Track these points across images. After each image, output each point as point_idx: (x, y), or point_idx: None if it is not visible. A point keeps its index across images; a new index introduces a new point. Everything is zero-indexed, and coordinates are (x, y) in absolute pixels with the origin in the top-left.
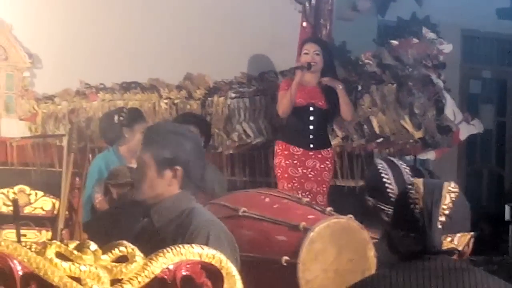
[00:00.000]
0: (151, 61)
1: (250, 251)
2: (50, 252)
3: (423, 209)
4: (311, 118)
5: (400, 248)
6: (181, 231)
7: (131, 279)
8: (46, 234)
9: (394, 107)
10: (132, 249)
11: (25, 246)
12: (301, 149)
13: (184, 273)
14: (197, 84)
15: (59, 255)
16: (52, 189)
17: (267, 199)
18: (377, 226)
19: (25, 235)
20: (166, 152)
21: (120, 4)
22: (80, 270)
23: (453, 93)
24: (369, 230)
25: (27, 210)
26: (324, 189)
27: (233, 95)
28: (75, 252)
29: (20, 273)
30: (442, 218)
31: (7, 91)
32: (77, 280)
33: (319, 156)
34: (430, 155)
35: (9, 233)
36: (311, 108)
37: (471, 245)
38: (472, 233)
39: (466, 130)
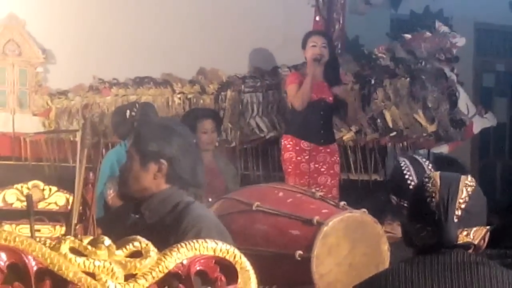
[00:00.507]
0: (164, 56)
1: (264, 246)
2: (64, 247)
3: (440, 203)
4: (322, 113)
5: (416, 241)
6: (173, 228)
7: (145, 274)
8: (60, 230)
9: (407, 101)
10: (146, 244)
11: (39, 242)
12: (312, 144)
13: (198, 268)
14: (210, 78)
15: (73, 250)
16: (66, 185)
17: (280, 194)
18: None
19: (39, 231)
20: (152, 145)
21: None
22: (94, 265)
23: (466, 86)
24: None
25: (41, 205)
26: (337, 182)
27: (246, 89)
28: (89, 247)
29: (35, 268)
30: (458, 212)
31: (20, 87)
32: (91, 275)
33: (328, 150)
34: (444, 148)
35: (23, 229)
36: (322, 103)
37: (486, 238)
38: (488, 227)
39: (479, 124)
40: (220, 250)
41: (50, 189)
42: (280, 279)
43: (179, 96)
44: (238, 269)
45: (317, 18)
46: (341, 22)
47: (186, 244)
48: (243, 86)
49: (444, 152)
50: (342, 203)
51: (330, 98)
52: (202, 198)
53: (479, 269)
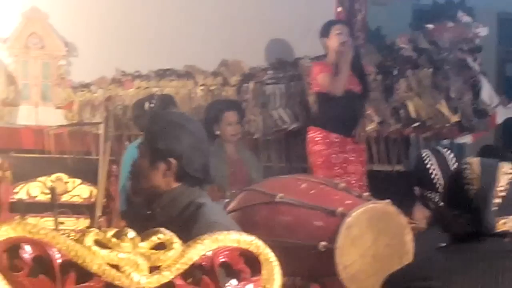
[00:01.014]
0: (186, 48)
1: (287, 237)
2: (89, 239)
3: (478, 191)
4: (350, 103)
5: (453, 228)
6: (184, 233)
7: (169, 266)
8: (84, 222)
9: (430, 92)
10: (171, 236)
11: (64, 234)
12: (340, 136)
13: (222, 260)
14: (232, 70)
15: (98, 242)
16: (89, 177)
17: (303, 185)
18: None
19: (63, 223)
20: (161, 143)
21: None
22: (119, 258)
23: (489, 76)
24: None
25: (64, 198)
26: (366, 169)
27: (268, 81)
28: (114, 239)
29: (59, 261)
30: (497, 200)
31: (43, 80)
32: (116, 267)
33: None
34: (467, 139)
35: (47, 221)
36: (350, 94)
37: None
38: None
39: (502, 114)
40: (244, 241)
41: (73, 182)
42: (303, 270)
43: (201, 88)
44: (262, 261)
45: (339, 9)
46: (363, 12)
47: (210, 236)
48: (265, 78)
49: (468, 143)
50: (365, 194)
51: (358, 88)
52: (225, 191)
53: None
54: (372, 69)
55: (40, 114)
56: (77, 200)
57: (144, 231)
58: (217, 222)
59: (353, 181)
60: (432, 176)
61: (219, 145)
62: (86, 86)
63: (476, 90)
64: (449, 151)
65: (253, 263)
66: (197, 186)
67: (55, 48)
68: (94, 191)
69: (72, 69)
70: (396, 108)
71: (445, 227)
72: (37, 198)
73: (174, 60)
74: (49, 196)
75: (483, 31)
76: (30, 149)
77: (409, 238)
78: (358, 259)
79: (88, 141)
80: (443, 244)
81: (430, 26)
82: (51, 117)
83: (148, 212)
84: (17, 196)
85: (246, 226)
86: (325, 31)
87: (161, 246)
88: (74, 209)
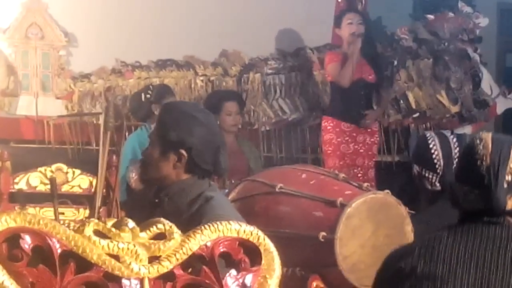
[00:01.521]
0: (186, 38)
1: (287, 227)
2: (89, 230)
3: (490, 167)
4: (362, 93)
5: (463, 203)
6: (191, 226)
7: (169, 256)
8: (83, 212)
9: (430, 82)
10: (170, 227)
11: (64, 224)
12: (352, 125)
13: (221, 250)
14: (232, 61)
15: (97, 233)
16: (89, 167)
17: (303, 175)
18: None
19: (63, 213)
20: (172, 135)
21: None
22: (118, 248)
23: (489, 67)
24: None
25: (64, 188)
26: (373, 163)
27: (268, 71)
28: (113, 229)
29: (59, 251)
30: (509, 177)
31: (43, 70)
32: (115, 257)
33: (369, 130)
34: (467, 129)
35: (47, 212)
36: (361, 83)
37: None
38: None
39: (503, 104)
40: (244, 231)
41: (73, 172)
42: (303, 260)
43: (201, 78)
44: (262, 251)
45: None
46: (363, 3)
47: (209, 226)
48: (265, 68)
49: (468, 133)
50: (365, 184)
51: (370, 77)
52: (225, 181)
53: None
54: None
55: (40, 105)
56: (77, 190)
57: (148, 219)
58: (224, 216)
59: (359, 174)
60: (434, 156)
61: None
62: (86, 76)
63: (476, 81)
64: (452, 135)
65: (253, 253)
66: (206, 178)
67: (55, 38)
68: (94, 181)
69: (72, 59)
70: (396, 99)
71: (455, 203)
72: (37, 189)
73: (174, 50)
74: (49, 186)
75: (483, 21)
76: (30, 139)
77: (409, 228)
78: (358, 249)
79: (88, 131)
80: (451, 224)
81: (431, 16)
82: (51, 107)
83: (156, 200)
84: (17, 186)
85: (246, 216)
86: (338, 20)
87: (161, 236)
88: (74, 200)
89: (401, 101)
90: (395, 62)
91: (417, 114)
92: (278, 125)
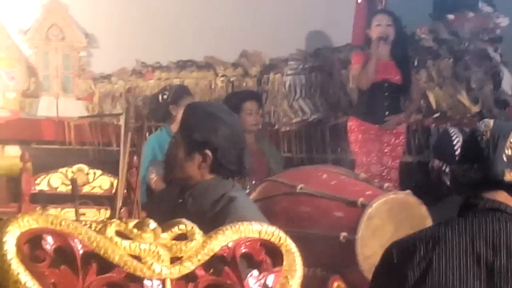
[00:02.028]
0: (206, 39)
1: (308, 228)
2: (110, 230)
3: (490, 139)
4: (386, 94)
5: (462, 180)
6: (215, 226)
7: (190, 257)
8: (105, 213)
9: (451, 82)
10: (192, 227)
11: (85, 225)
12: (376, 126)
13: (243, 251)
14: (253, 61)
15: (119, 233)
16: (110, 168)
17: (324, 176)
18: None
19: (84, 214)
20: (197, 135)
21: None
22: (140, 249)
23: (510, 66)
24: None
25: (85, 189)
26: (398, 164)
27: (289, 72)
28: (135, 230)
29: (81, 252)
30: (509, 152)
31: (64, 71)
32: (137, 258)
33: (394, 131)
34: None
35: (68, 212)
36: (386, 84)
37: None
38: None
39: None
40: (265, 232)
41: (94, 173)
42: (324, 261)
43: (221, 79)
44: (284, 252)
45: (359, 0)
46: (383, 3)
47: (231, 227)
48: (286, 69)
49: None
50: (386, 184)
51: (396, 78)
52: (246, 183)
53: None
54: None
55: (61, 106)
56: (98, 191)
57: (170, 219)
58: (247, 216)
59: (384, 174)
60: (456, 152)
61: None
62: (106, 77)
63: (497, 81)
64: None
65: (274, 254)
66: (230, 179)
67: (75, 39)
68: (115, 182)
69: (93, 60)
70: None
71: (457, 188)
72: (58, 190)
73: (194, 51)
74: (70, 187)
75: (504, 21)
76: (51, 140)
77: None
78: (378, 250)
79: (109, 132)
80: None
81: (451, 16)
82: (72, 108)
83: (180, 201)
84: (38, 188)
85: (267, 216)
86: (368, 22)
87: (182, 237)
88: (95, 200)
89: (422, 101)
90: (415, 62)
91: (437, 114)
92: (298, 126)
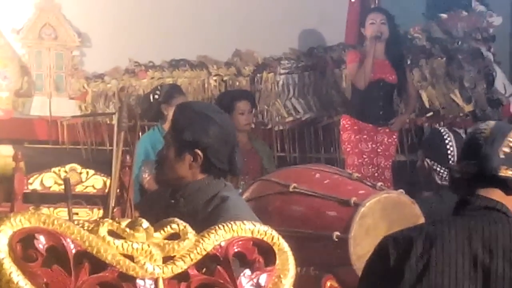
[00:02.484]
0: (199, 38)
1: (301, 227)
2: (103, 230)
3: (488, 137)
4: (381, 93)
5: (457, 175)
6: (207, 226)
7: (183, 256)
8: (97, 213)
9: (444, 81)
10: (184, 227)
11: (78, 225)
12: (370, 125)
13: (236, 250)
14: (246, 60)
15: (112, 233)
16: (103, 168)
17: (317, 175)
18: None
19: (77, 214)
20: (187, 135)
21: None
22: (133, 248)
23: (503, 66)
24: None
25: (78, 188)
26: (390, 163)
27: (282, 71)
28: (128, 230)
29: (73, 251)
30: (507, 149)
31: (57, 71)
32: (130, 257)
33: (387, 130)
34: None
35: (61, 212)
36: (381, 84)
37: None
38: None
39: None
40: (258, 231)
41: (87, 173)
42: (317, 260)
43: (215, 78)
44: (276, 251)
45: None
46: (376, 2)
47: (224, 226)
48: (279, 68)
49: None
50: (379, 184)
51: (391, 78)
52: (238, 182)
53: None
54: None
55: (54, 105)
56: (90, 190)
57: (163, 219)
58: (239, 216)
59: (376, 174)
60: (449, 152)
61: None
62: (99, 76)
63: (490, 80)
64: (465, 133)
65: (267, 253)
66: (222, 178)
67: (68, 38)
68: (108, 181)
69: (86, 59)
70: None
71: (454, 186)
72: (51, 189)
73: (187, 50)
74: (63, 186)
75: (497, 20)
76: (43, 139)
77: None
78: (371, 249)
79: (102, 131)
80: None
81: (444, 15)
82: (65, 107)
83: (172, 201)
84: (31, 187)
85: (260, 216)
86: (362, 20)
87: (175, 236)
88: (88, 200)
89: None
90: (408, 61)
91: (430, 113)
92: (291, 125)
